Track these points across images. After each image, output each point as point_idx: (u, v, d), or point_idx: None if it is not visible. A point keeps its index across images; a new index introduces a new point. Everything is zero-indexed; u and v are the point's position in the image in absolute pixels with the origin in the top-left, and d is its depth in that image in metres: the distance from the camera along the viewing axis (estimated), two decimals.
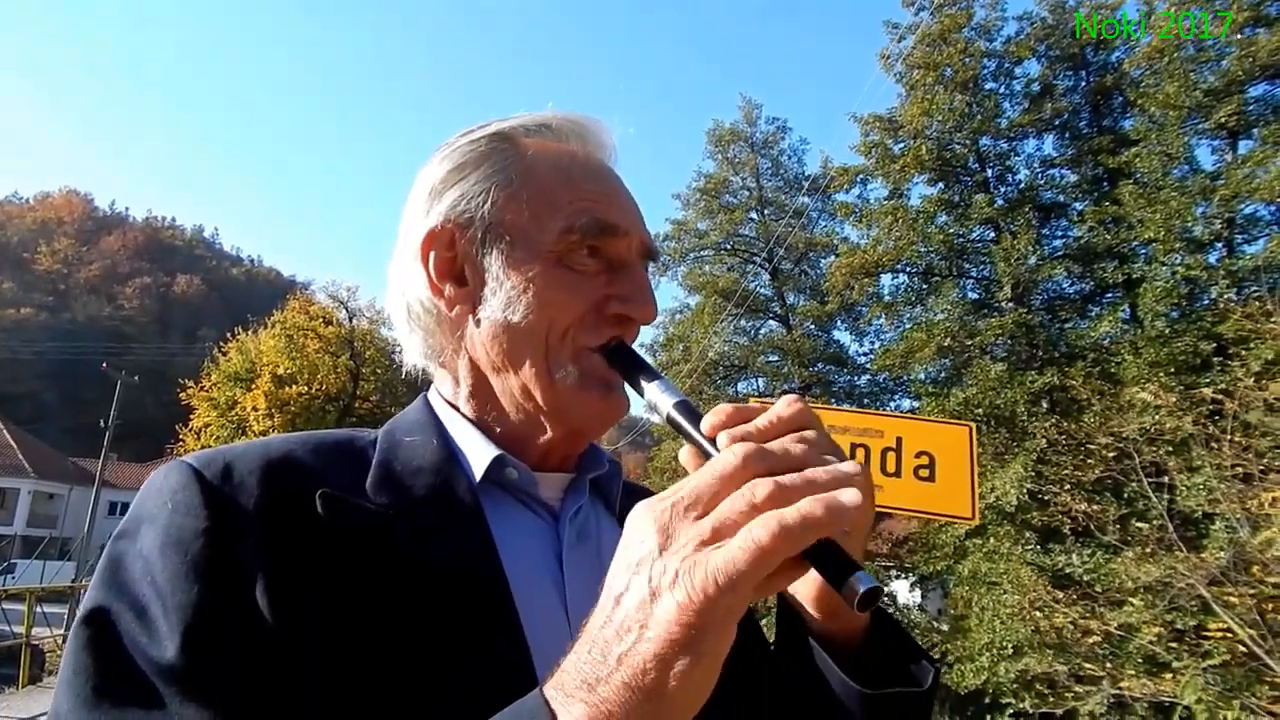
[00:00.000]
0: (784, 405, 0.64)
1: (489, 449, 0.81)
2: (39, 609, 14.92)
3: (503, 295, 0.81)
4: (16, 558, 39.00)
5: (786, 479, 0.53)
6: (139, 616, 0.63)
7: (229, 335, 30.06)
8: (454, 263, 0.84)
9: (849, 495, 0.51)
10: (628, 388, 0.81)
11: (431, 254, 0.84)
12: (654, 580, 0.52)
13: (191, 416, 27.63)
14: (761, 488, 0.52)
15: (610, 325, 0.81)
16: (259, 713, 0.60)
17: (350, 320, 30.51)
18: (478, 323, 0.83)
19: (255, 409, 25.86)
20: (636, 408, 0.85)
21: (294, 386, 26.55)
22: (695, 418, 0.67)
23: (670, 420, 0.71)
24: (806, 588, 0.74)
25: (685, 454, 0.68)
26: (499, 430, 0.84)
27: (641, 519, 0.55)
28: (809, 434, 0.59)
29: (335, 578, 0.66)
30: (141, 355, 74.52)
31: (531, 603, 0.73)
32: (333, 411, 27.44)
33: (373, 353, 30.28)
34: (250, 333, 29.91)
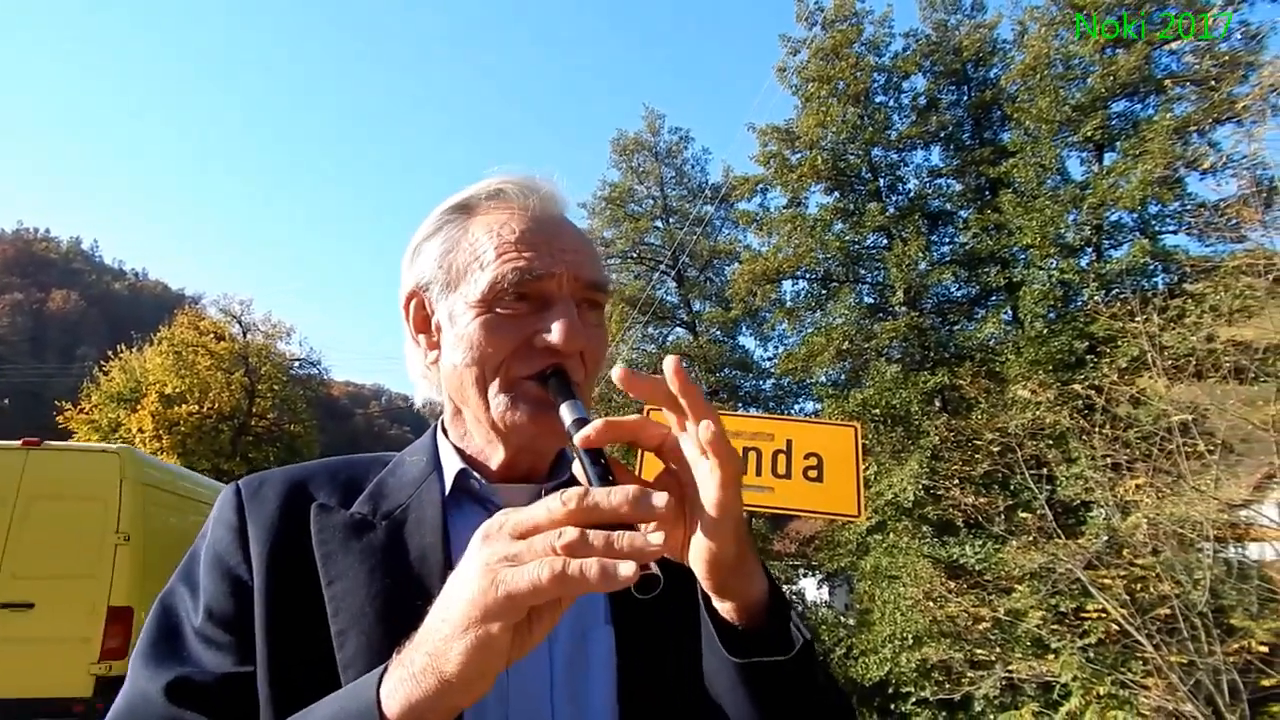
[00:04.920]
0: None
1: (458, 465, 0.99)
2: None
3: (453, 343, 0.96)
4: None
5: (592, 534, 0.60)
6: (191, 594, 0.92)
7: (111, 353, 28.16)
8: (424, 319, 1.02)
9: (625, 568, 0.58)
10: None
11: (410, 311, 1.03)
12: (461, 577, 0.64)
13: (70, 440, 25.78)
14: (567, 535, 0.60)
15: (543, 356, 0.91)
16: (251, 658, 0.85)
17: (244, 335, 28.92)
18: (443, 367, 0.99)
19: (141, 431, 24.28)
20: None
21: (184, 406, 25.02)
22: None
23: (569, 436, 0.78)
24: (699, 565, 0.75)
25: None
26: (469, 451, 1.01)
27: (482, 526, 0.67)
28: (646, 493, 0.63)
29: (315, 564, 0.90)
30: (13, 376, 69.75)
31: None
32: (226, 430, 25.96)
33: (269, 368, 28.79)
34: (135, 350, 28.13)
